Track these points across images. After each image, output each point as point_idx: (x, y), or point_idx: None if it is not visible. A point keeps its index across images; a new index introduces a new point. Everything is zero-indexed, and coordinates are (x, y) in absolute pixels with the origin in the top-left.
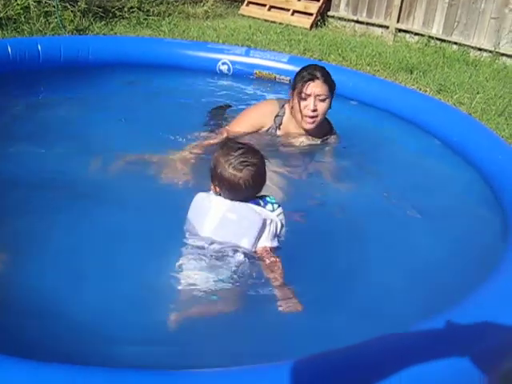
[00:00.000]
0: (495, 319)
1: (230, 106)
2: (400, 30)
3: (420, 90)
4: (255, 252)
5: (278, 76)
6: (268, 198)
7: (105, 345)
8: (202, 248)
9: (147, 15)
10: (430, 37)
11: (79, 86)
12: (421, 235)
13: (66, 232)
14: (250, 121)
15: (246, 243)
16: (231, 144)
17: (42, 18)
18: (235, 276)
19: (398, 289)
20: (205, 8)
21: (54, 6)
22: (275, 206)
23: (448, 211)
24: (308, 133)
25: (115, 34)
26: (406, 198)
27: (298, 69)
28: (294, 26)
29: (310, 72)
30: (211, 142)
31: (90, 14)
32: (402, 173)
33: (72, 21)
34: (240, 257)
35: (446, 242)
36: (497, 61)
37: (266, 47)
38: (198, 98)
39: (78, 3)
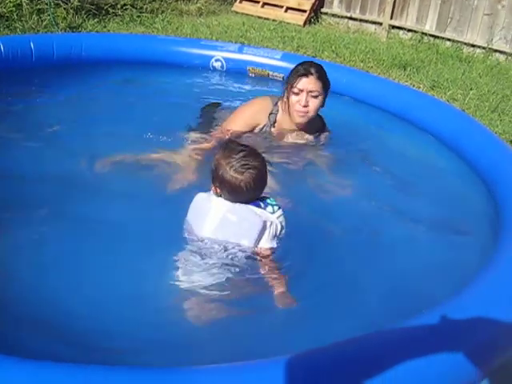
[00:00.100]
0: (486, 314)
1: (219, 104)
2: (393, 27)
3: (413, 86)
4: (254, 252)
5: (271, 73)
6: (268, 200)
7: (105, 345)
8: (201, 248)
9: (140, 12)
10: (423, 33)
11: (72, 84)
12: (411, 231)
13: (64, 232)
14: (245, 119)
15: (245, 244)
16: (233, 146)
17: (34, 15)
18: (233, 275)
19: (389, 285)
20: (198, 5)
21: (47, 4)
22: (275, 208)
23: (440, 206)
24: (300, 129)
25: (108, 31)
26: (397, 195)
27: (291, 65)
28: (288, 23)
29: (305, 68)
30: (209, 145)
31: (83, 12)
32: (396, 169)
33: (65, 18)
34: (239, 257)
35: (437, 237)
36: (490, 57)
37: (259, 44)
38: (191, 94)
39: (71, 0)
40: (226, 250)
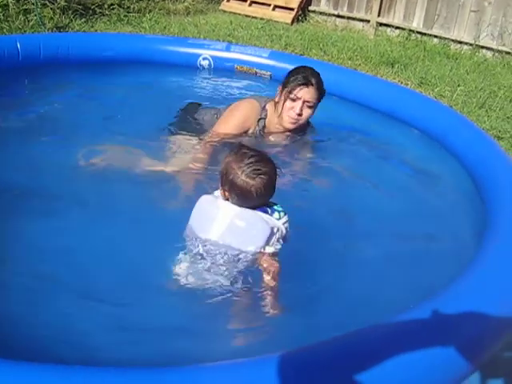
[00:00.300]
0: (475, 309)
1: (200, 105)
2: (381, 24)
3: (401, 83)
4: (259, 256)
5: (258, 71)
6: (275, 207)
7: (105, 344)
8: (205, 251)
9: (128, 12)
10: (410, 30)
11: (59, 84)
12: (399, 227)
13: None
14: (236, 124)
15: (252, 250)
16: (244, 150)
17: (21, 15)
18: (237, 279)
19: (379, 280)
20: (185, 4)
21: (33, 4)
22: (281, 214)
23: (426, 201)
24: (287, 131)
25: (95, 31)
26: (385, 190)
27: (278, 64)
28: (276, 21)
29: (306, 76)
30: (206, 156)
31: (70, 12)
32: (382, 166)
33: (52, 18)
34: (243, 261)
35: (424, 231)
36: (477, 53)
37: (247, 42)
38: (178, 93)
39: (58, 0)
40: (230, 254)
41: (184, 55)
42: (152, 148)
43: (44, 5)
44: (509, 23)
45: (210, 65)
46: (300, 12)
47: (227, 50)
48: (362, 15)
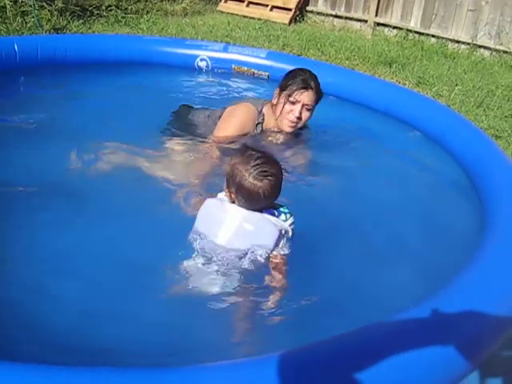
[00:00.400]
0: (474, 308)
1: (192, 107)
2: (378, 24)
3: (399, 83)
4: (268, 259)
5: (256, 71)
6: (282, 209)
7: (105, 344)
8: (213, 255)
9: (125, 13)
10: (408, 30)
11: (56, 85)
12: (396, 225)
13: (62, 233)
14: (235, 128)
15: (261, 253)
16: (251, 152)
17: (18, 17)
18: (244, 282)
19: (374, 280)
20: (183, 5)
21: (31, 6)
22: (288, 215)
23: (425, 200)
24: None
25: (93, 32)
26: (385, 189)
27: (276, 64)
28: (273, 22)
29: (305, 79)
30: (215, 159)
31: (68, 13)
32: (381, 165)
33: (49, 20)
34: (252, 264)
35: (423, 231)
36: (474, 53)
37: (245, 43)
38: (177, 94)
39: (55, 2)
40: (238, 257)
41: (182, 56)
42: (149, 149)
43: (41, 6)
44: (506, 22)
45: (207, 66)
46: (298, 12)
47: (225, 50)
48: (359, 15)
